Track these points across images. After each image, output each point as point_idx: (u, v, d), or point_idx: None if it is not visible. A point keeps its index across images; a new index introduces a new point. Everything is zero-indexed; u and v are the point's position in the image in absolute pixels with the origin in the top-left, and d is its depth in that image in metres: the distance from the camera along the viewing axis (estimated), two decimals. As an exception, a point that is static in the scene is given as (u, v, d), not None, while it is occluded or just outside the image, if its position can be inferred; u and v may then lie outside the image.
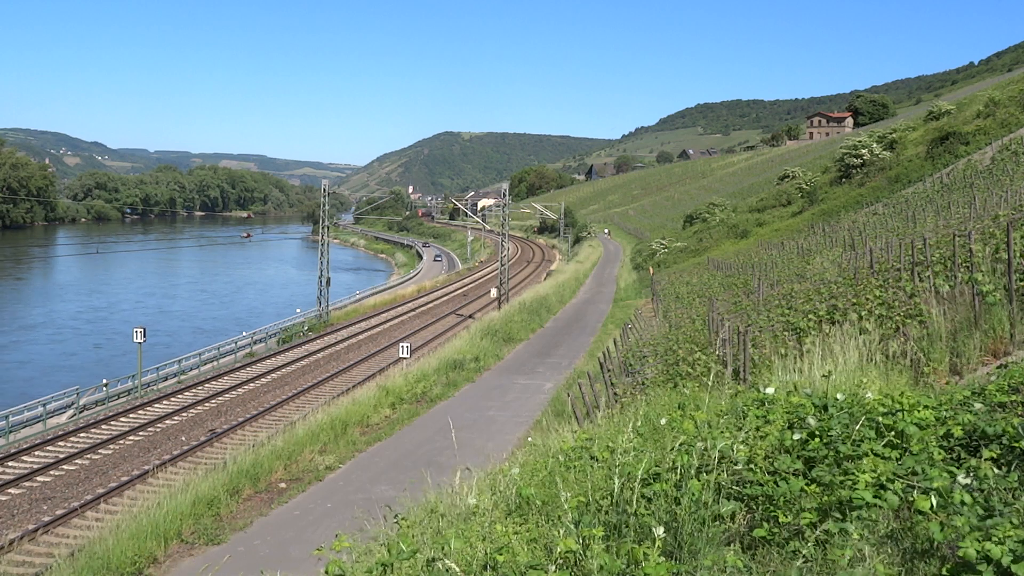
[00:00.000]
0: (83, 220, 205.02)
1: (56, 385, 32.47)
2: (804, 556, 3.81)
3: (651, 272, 59.75)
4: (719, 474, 4.72)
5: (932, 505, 3.73)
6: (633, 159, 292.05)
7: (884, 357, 8.89)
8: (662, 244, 71.62)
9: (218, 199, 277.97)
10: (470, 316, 49.72)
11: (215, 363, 36.56)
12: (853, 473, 4.22)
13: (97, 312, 64.88)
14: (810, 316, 12.72)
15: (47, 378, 39.99)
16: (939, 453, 4.36)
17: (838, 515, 4.02)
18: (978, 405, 5.10)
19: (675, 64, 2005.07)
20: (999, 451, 4.35)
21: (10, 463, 22.18)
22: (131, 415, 27.42)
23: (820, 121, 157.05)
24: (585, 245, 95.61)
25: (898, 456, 4.44)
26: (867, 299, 12.54)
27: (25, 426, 25.97)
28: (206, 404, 29.14)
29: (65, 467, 21.99)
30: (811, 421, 4.99)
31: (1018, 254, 10.12)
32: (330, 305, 50.69)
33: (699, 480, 4.43)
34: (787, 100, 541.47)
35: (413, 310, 54.93)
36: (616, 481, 5.09)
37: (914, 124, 67.07)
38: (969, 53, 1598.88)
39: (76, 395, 28.48)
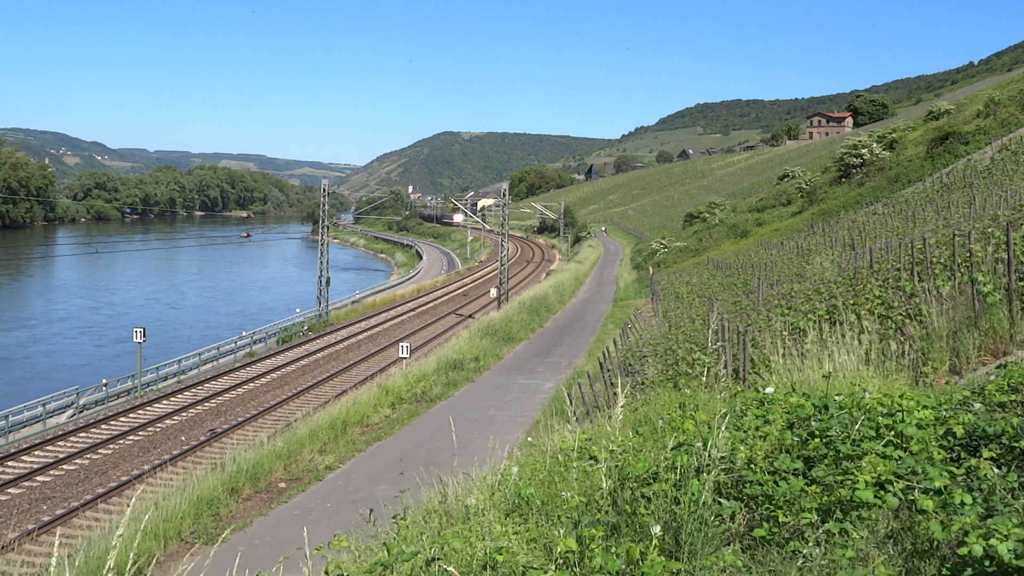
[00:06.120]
0: (83, 220, 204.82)
1: (87, 377, 33.01)
2: (804, 556, 3.81)
3: (651, 272, 59.73)
4: (719, 474, 4.72)
5: (933, 505, 3.73)
6: (633, 159, 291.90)
7: (884, 357, 8.89)
8: (662, 244, 71.58)
9: (218, 199, 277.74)
10: (470, 316, 49.71)
11: (215, 363, 36.54)
12: (853, 473, 4.22)
13: (115, 307, 66.03)
14: (810, 316, 12.71)
15: (85, 367, 41.56)
16: (939, 453, 4.36)
17: (839, 515, 4.02)
18: (978, 405, 5.10)
19: (675, 64, 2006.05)
20: (999, 451, 4.35)
21: (10, 463, 22.17)
22: (131, 415, 27.41)
23: (820, 121, 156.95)
24: (585, 245, 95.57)
25: (898, 456, 4.44)
26: (867, 299, 12.54)
27: (25, 426, 25.96)
28: (206, 404, 29.12)
29: (65, 467, 21.98)
30: (811, 421, 4.99)
31: (1019, 254, 10.11)
32: (330, 305, 50.69)
33: (699, 480, 4.43)
34: (787, 100, 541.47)
35: (413, 310, 54.91)
36: (615, 481, 5.09)
37: (914, 124, 67.09)
38: (969, 53, 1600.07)
39: (76, 395, 28.47)
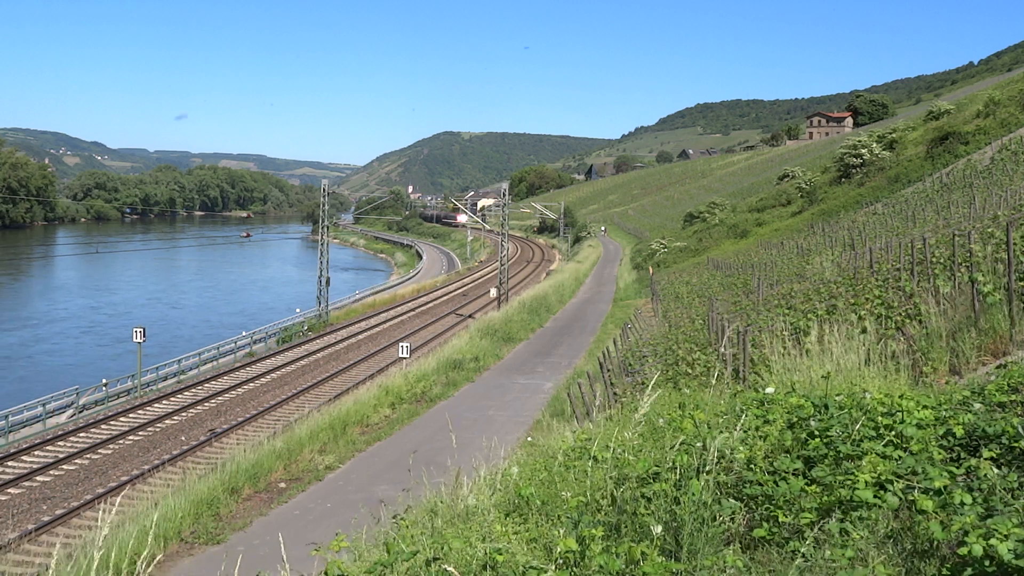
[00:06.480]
0: (83, 220, 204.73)
1: (89, 377, 33.08)
2: (804, 556, 3.81)
3: (651, 272, 59.74)
4: (719, 474, 4.72)
5: (933, 505, 3.73)
6: (633, 159, 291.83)
7: (884, 357, 8.89)
8: (662, 244, 71.58)
9: (218, 199, 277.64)
10: (470, 316, 49.71)
11: (215, 363, 36.54)
12: (853, 473, 4.21)
13: (116, 307, 66.42)
14: (810, 316, 12.71)
15: (87, 367, 41.86)
16: (939, 453, 4.36)
17: (838, 515, 4.02)
18: (978, 405, 5.10)
19: (675, 64, 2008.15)
20: (999, 451, 4.35)
21: (10, 463, 22.17)
22: (131, 415, 27.41)
23: (820, 121, 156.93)
24: (585, 245, 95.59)
25: (898, 456, 4.44)
26: (867, 299, 12.54)
27: (25, 426, 25.96)
28: (206, 404, 29.12)
29: (65, 467, 21.98)
30: (811, 421, 4.99)
31: (1019, 254, 10.11)
32: (330, 305, 50.69)
33: (699, 480, 4.43)
34: (787, 100, 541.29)
35: (413, 310, 54.92)
36: (615, 481, 5.09)
37: (914, 124, 67.11)
38: (969, 53, 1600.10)
39: (76, 395, 28.47)
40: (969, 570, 3.29)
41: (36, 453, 23.17)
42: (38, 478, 21.06)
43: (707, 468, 4.70)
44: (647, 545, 3.82)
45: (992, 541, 3.21)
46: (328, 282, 48.69)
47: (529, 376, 29.99)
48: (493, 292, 52.76)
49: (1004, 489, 3.77)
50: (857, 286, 15.03)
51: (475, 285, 70.09)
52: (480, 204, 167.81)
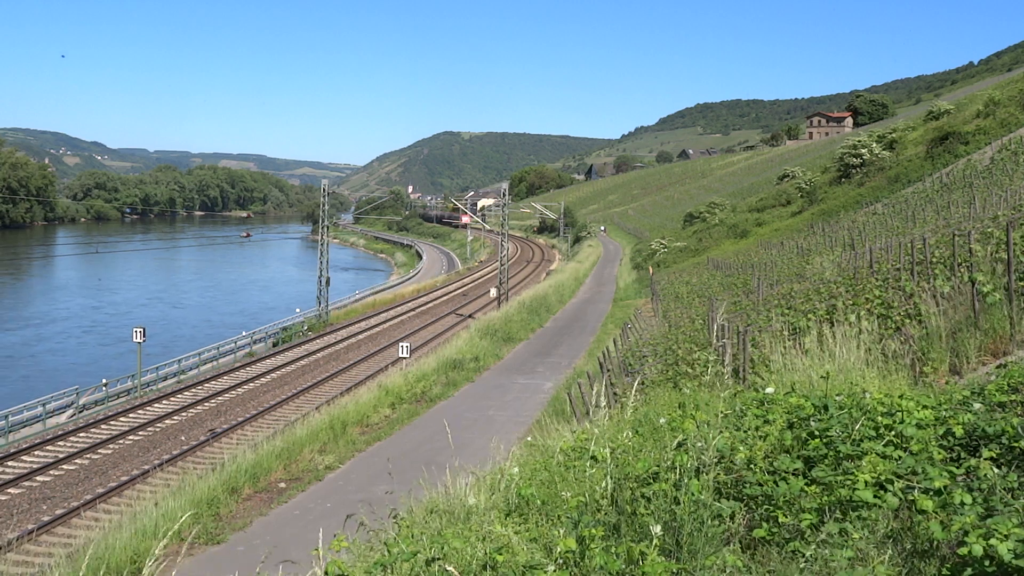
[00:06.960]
0: (83, 220, 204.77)
1: (91, 376, 33.18)
2: (804, 556, 3.81)
3: (651, 272, 59.73)
4: (719, 474, 4.72)
5: (933, 505, 3.73)
6: (633, 159, 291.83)
7: (884, 357, 8.89)
8: (662, 244, 71.60)
9: (218, 199, 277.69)
10: (470, 316, 49.70)
11: (215, 363, 36.54)
12: (853, 473, 4.22)
13: (117, 307, 66.62)
14: (810, 316, 12.72)
15: (90, 366, 42.04)
16: (939, 453, 4.36)
17: (838, 515, 4.02)
18: (978, 405, 5.10)
19: (675, 64, 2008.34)
20: (999, 451, 4.35)
21: (10, 463, 22.17)
22: (131, 415, 27.41)
23: (820, 121, 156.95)
24: (585, 245, 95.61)
25: (898, 456, 4.44)
26: (867, 299, 12.54)
27: (25, 426, 25.96)
28: (206, 404, 29.12)
29: (65, 467, 21.98)
30: (811, 421, 4.99)
31: (1019, 254, 10.12)
32: (330, 305, 50.70)
33: (699, 480, 4.43)
34: (787, 100, 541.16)
35: (413, 310, 54.91)
36: (615, 481, 5.09)
37: (914, 124, 67.17)
38: (969, 53, 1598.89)
39: (76, 395, 28.47)
40: (969, 570, 3.29)
41: (36, 453, 23.17)
42: (38, 478, 21.06)
43: (707, 468, 4.70)
44: (647, 545, 3.82)
45: (992, 541, 3.21)
46: (328, 282, 48.69)
47: (529, 376, 29.98)
48: (493, 292, 52.75)
49: (1004, 489, 3.77)
50: (857, 286, 15.03)
51: (475, 285, 70.07)
52: (480, 204, 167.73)
